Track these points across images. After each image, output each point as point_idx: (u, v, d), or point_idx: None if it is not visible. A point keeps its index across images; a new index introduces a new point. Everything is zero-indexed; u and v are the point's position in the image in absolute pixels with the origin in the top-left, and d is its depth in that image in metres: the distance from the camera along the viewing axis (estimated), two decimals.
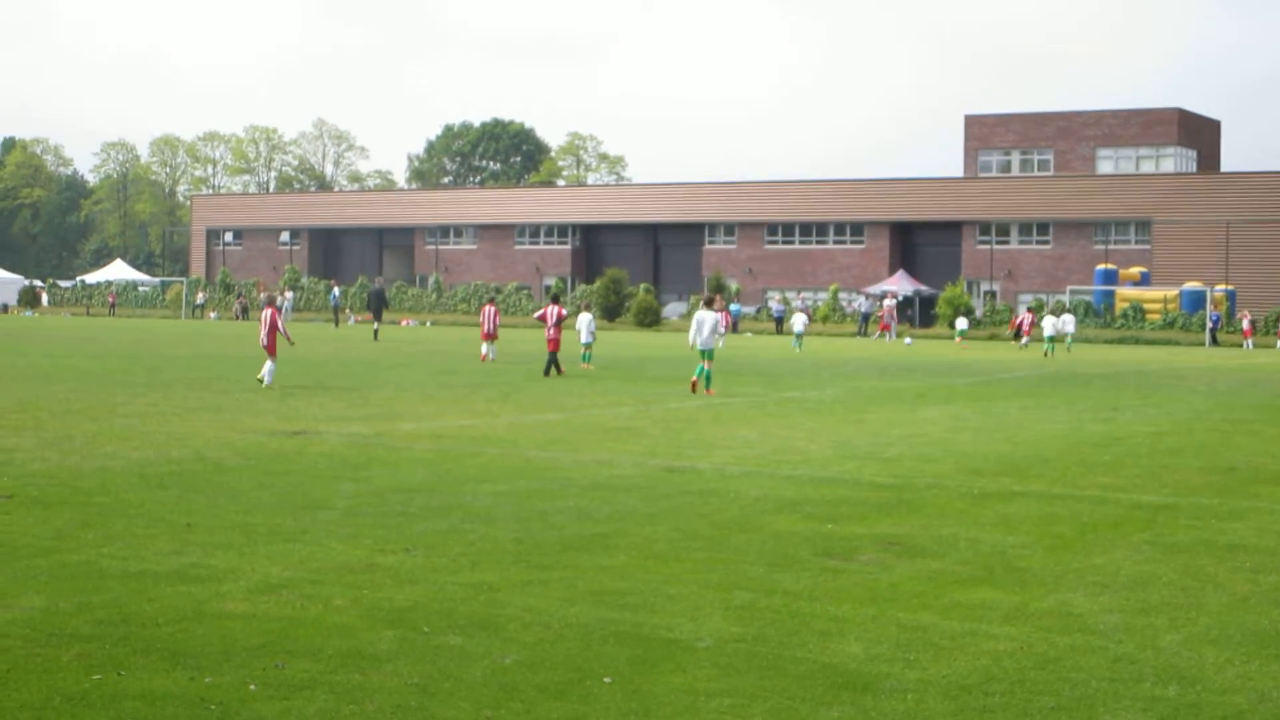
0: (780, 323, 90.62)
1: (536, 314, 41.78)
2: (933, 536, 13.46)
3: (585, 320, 40.68)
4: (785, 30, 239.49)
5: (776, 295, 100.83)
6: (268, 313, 31.99)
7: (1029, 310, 77.99)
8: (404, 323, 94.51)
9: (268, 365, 31.00)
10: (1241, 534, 13.96)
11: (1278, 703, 8.27)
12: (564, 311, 38.98)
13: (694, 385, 31.29)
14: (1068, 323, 69.15)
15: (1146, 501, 16.14)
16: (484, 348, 43.65)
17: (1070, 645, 9.47)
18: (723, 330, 65.49)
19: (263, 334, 31.74)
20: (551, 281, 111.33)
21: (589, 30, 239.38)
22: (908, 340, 77.51)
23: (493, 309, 44.07)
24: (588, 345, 40.75)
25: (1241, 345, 77.12)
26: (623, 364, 44.46)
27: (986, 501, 15.88)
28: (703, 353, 31.59)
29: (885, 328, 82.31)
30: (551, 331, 38.14)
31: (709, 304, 33.01)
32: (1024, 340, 70.73)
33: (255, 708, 7.85)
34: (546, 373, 36.87)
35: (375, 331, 62.52)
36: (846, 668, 8.83)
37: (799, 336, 64.63)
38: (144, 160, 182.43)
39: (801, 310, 77.07)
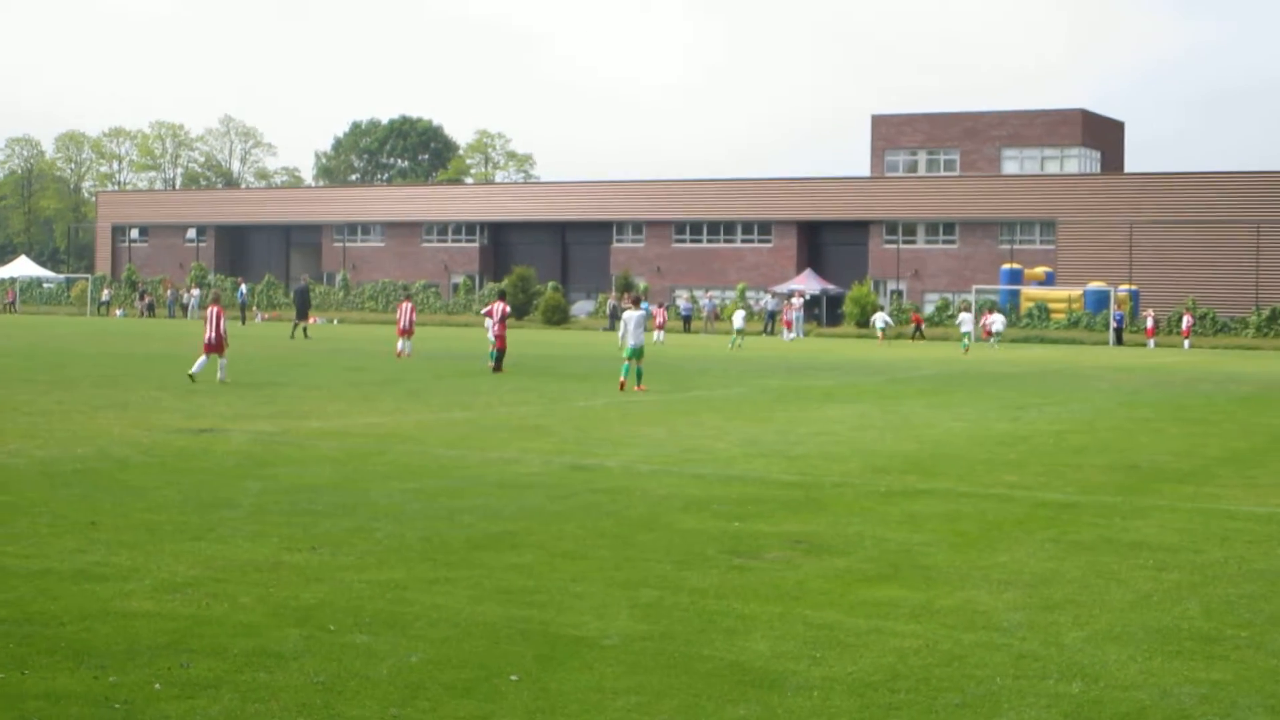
0: (688, 321, 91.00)
1: (483, 310, 42.77)
2: (839, 534, 13.53)
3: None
4: (692, 29, 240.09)
5: (685, 294, 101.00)
6: (213, 310, 32.01)
7: (987, 310, 79.90)
8: (311, 320, 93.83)
9: (221, 362, 31.34)
10: (1144, 531, 14.12)
11: (1179, 699, 8.37)
12: (508, 309, 39.53)
13: (622, 385, 31.89)
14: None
15: (1051, 499, 16.30)
16: (400, 344, 44.19)
17: (975, 642, 9.54)
18: (661, 324, 67.32)
19: (210, 332, 31.70)
20: (460, 279, 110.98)
21: (498, 28, 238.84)
22: (789, 336, 78.63)
23: (409, 305, 45.19)
24: None
25: (1145, 344, 78.00)
26: (531, 362, 44.41)
27: (893, 499, 15.98)
28: (631, 352, 32.26)
29: (788, 324, 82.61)
30: (496, 329, 38.65)
31: (635, 303, 34.18)
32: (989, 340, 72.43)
33: (160, 707, 7.79)
34: (497, 367, 38.27)
35: (303, 329, 61.98)
36: (753, 665, 8.86)
37: (740, 333, 65.64)
38: (49, 156, 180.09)
39: (713, 305, 77.83)
